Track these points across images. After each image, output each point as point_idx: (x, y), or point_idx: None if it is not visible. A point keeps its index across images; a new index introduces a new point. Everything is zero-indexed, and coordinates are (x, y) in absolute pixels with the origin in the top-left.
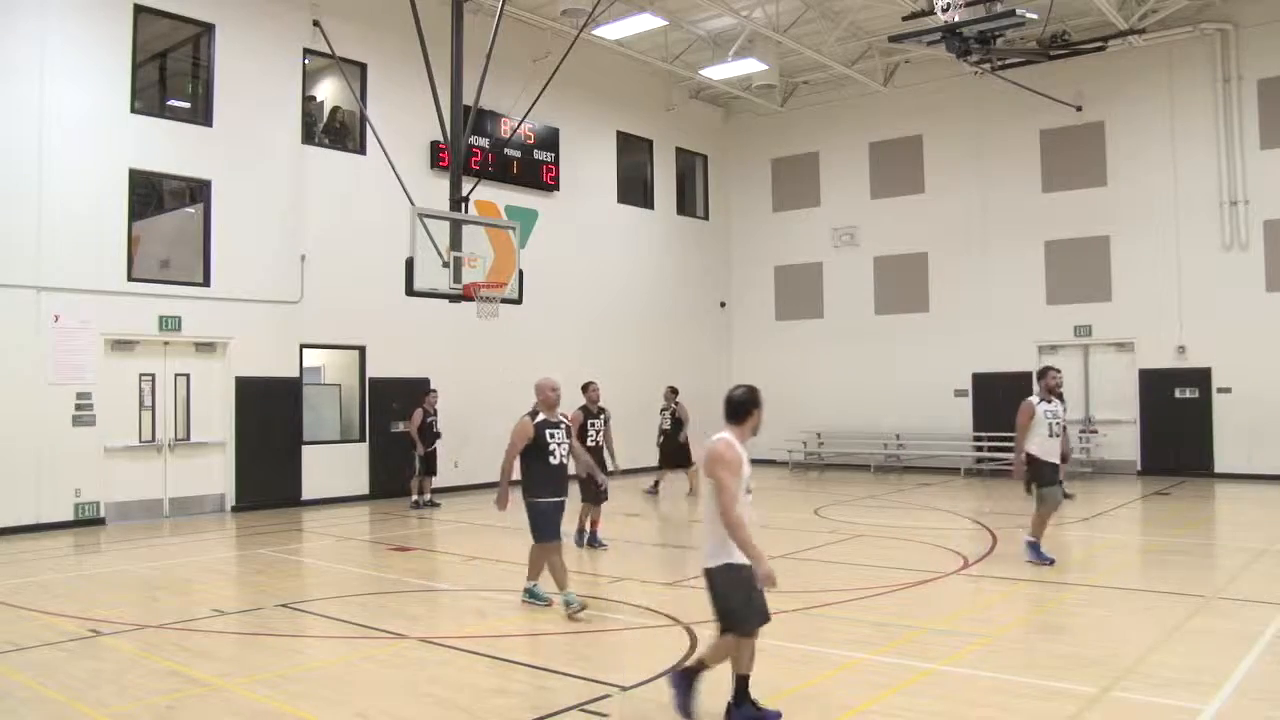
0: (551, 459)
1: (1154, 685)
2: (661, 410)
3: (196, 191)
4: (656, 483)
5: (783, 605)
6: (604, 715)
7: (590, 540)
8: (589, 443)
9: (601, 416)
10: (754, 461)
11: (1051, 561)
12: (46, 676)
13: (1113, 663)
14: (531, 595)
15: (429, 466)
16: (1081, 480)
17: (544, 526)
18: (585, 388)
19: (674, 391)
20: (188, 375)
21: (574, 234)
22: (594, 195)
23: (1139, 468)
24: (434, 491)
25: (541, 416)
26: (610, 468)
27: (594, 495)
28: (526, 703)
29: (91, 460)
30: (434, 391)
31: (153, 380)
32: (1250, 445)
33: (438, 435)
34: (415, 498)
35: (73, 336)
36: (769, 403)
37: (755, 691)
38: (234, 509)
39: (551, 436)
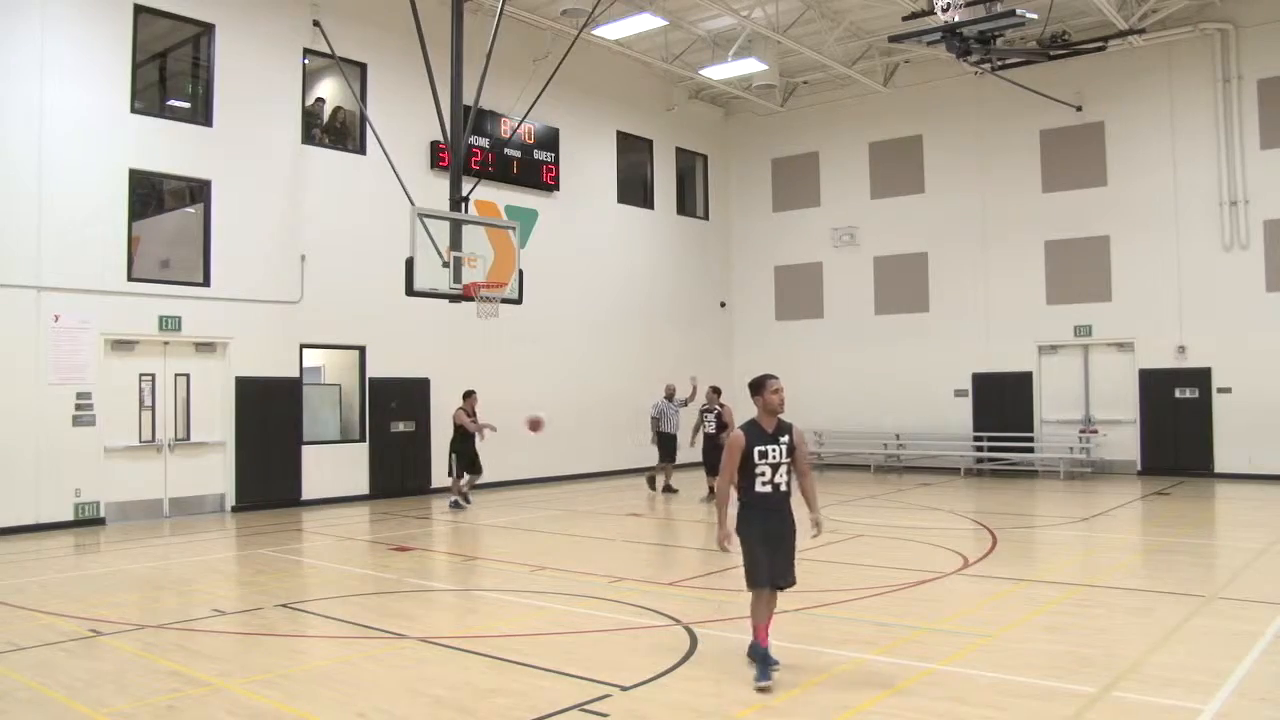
0: None
1: (1154, 685)
2: (703, 411)
3: (196, 191)
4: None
5: (782, 605)
6: (604, 715)
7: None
8: (760, 485)
9: (784, 441)
10: None
11: None
12: (46, 676)
13: (1113, 663)
14: None
15: (468, 466)
16: (1081, 480)
17: None
18: (758, 386)
19: (716, 392)
20: (188, 375)
21: (574, 234)
22: (594, 195)
23: (1139, 468)
24: (434, 491)
25: None
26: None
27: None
28: (526, 703)
29: (91, 460)
30: (473, 393)
31: (153, 380)
32: (1250, 445)
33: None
34: (457, 497)
35: (73, 336)
36: None
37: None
38: (234, 509)
39: None
